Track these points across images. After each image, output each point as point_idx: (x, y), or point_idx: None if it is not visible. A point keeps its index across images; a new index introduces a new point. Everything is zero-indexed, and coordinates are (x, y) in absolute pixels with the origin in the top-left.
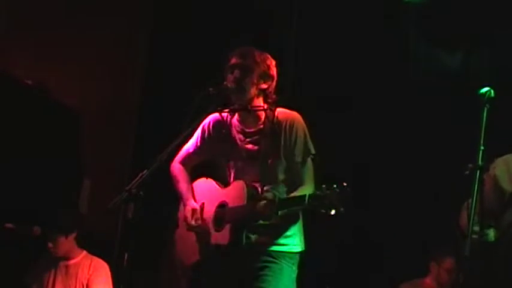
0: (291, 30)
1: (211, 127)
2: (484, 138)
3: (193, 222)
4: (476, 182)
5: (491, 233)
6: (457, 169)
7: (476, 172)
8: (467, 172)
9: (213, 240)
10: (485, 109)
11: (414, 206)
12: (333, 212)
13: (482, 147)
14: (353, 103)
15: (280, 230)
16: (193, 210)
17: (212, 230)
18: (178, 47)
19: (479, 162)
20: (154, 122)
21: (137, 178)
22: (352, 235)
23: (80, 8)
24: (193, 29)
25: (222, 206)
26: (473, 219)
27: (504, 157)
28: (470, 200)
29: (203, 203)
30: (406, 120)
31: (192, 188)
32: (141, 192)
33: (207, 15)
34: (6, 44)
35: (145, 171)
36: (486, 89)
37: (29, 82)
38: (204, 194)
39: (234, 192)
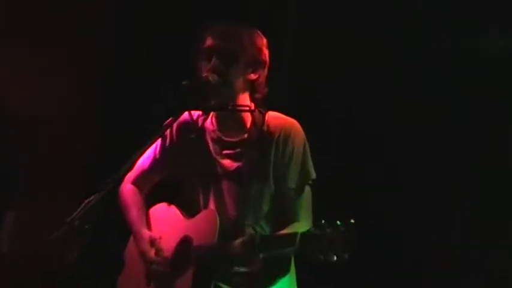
0: (290, 30)
1: (174, 132)
2: None
3: (153, 256)
4: None
5: None
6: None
7: None
8: None
9: None
10: None
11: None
12: (334, 258)
13: None
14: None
15: (262, 282)
16: (152, 240)
17: (171, 275)
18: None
19: None
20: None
21: (81, 206)
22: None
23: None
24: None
25: (185, 242)
26: None
27: None
28: None
29: (160, 237)
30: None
31: (148, 216)
32: (87, 226)
33: (207, 15)
34: None
35: (92, 197)
36: None
37: None
38: (163, 225)
39: (202, 225)
